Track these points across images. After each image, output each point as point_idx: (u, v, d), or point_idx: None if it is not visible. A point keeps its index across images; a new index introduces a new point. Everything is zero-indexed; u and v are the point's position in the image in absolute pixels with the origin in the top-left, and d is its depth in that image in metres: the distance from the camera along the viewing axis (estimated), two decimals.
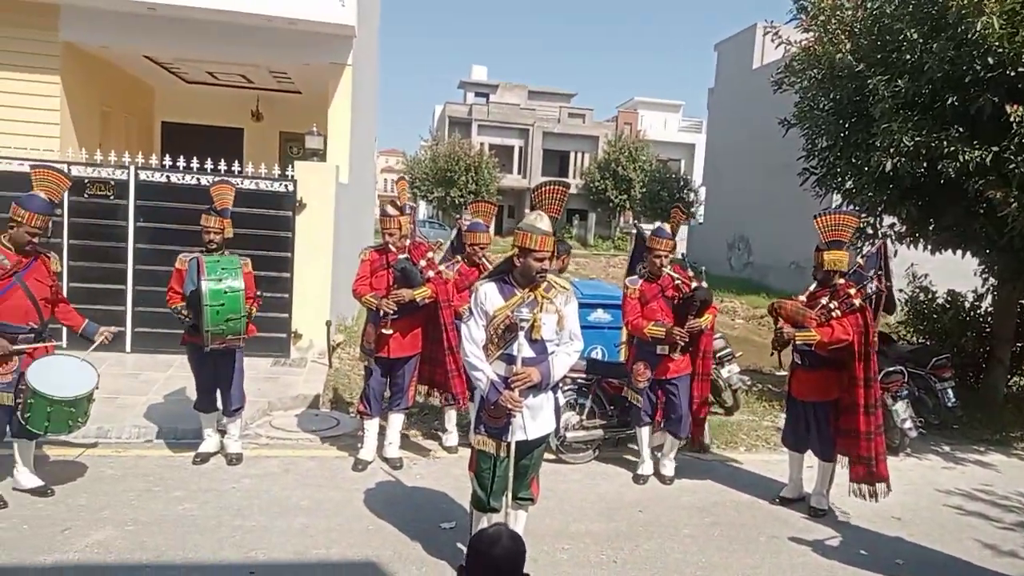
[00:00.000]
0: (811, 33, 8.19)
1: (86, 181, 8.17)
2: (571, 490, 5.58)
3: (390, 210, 5.69)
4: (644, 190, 38.13)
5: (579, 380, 6.17)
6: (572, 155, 46.59)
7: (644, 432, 5.94)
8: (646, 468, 5.93)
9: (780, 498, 5.68)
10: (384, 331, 5.59)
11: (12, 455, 4.88)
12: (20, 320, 4.66)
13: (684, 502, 5.56)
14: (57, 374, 4.70)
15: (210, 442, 5.74)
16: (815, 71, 8.23)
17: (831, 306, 5.22)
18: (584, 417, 6.15)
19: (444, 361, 5.91)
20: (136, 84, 12.97)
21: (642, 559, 4.59)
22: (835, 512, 5.52)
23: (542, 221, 3.83)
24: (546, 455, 5.93)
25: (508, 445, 3.84)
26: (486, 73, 52.72)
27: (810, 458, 5.63)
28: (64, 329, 5.53)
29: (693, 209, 34.54)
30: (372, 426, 5.86)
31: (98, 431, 5.88)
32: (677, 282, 5.68)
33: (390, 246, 5.64)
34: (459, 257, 6.44)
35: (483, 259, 6.28)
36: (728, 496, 5.75)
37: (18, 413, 4.65)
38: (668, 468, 5.92)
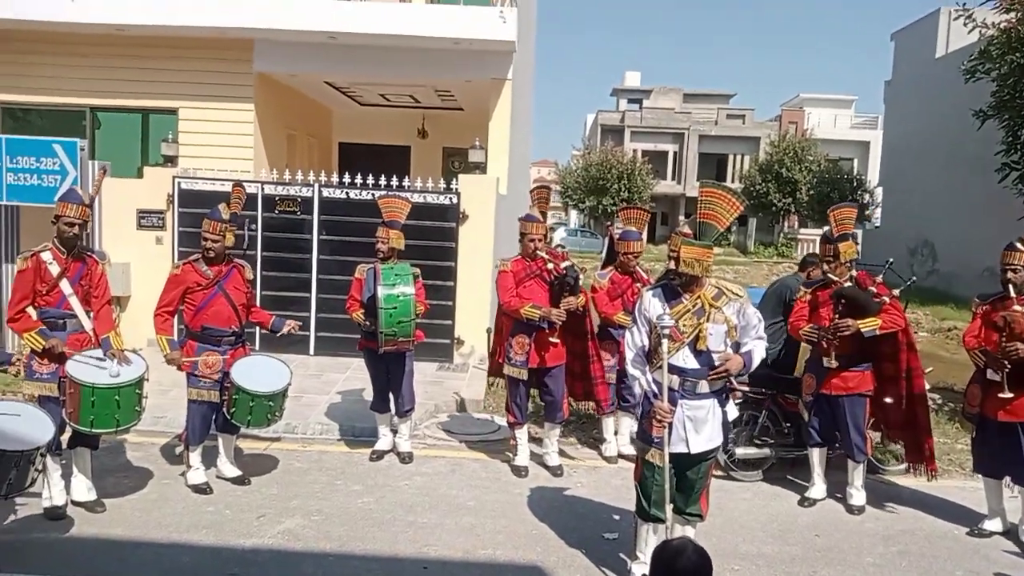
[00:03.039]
0: (1012, 14, 7.38)
1: (276, 199, 9.00)
2: (740, 509, 5.36)
3: (538, 216, 5.77)
4: (812, 192, 35.88)
5: (750, 394, 5.91)
6: (730, 158, 44.93)
7: (813, 453, 5.57)
8: (815, 492, 5.53)
9: (979, 529, 5.11)
10: (552, 340, 5.65)
11: (216, 447, 5.45)
12: (223, 324, 5.19)
13: (867, 528, 5.16)
14: (258, 373, 5.20)
15: (384, 441, 6.10)
16: (1017, 55, 7.40)
17: None
18: (756, 433, 5.89)
19: (589, 369, 5.92)
20: (317, 108, 14.12)
21: None
22: None
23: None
24: (715, 471, 5.80)
25: (667, 455, 3.79)
26: (639, 78, 52.17)
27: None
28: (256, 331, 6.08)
29: (868, 212, 32.05)
30: (523, 434, 5.95)
31: (286, 427, 6.43)
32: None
33: (539, 253, 5.70)
34: (612, 266, 6.37)
35: (637, 267, 6.18)
36: (917, 524, 5.26)
37: (223, 409, 5.20)
38: (854, 497, 5.41)
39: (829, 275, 5.36)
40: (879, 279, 5.35)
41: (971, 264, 20.49)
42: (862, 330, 5.09)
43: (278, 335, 5.49)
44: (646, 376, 3.89)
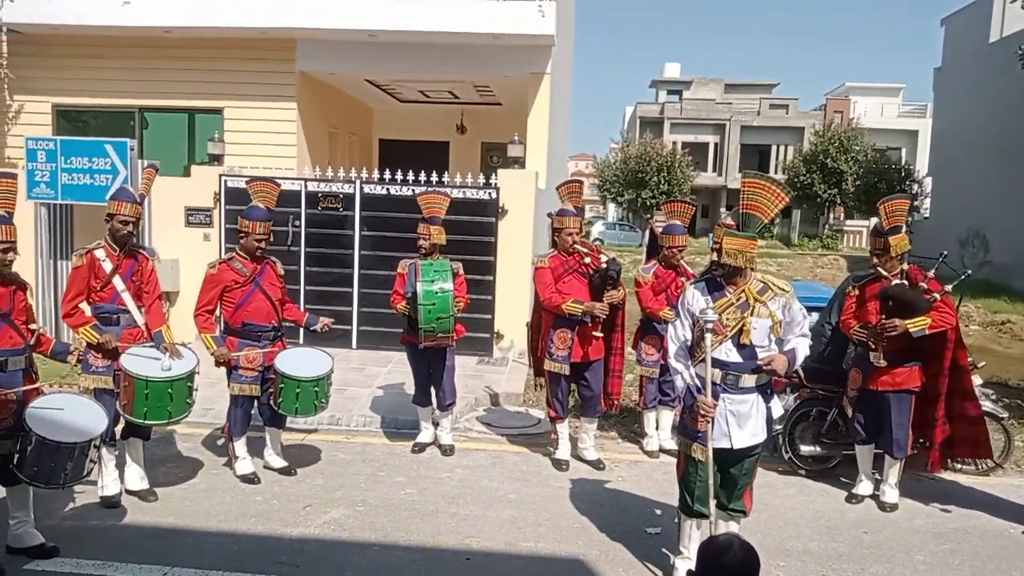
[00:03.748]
0: None
1: (319, 195, 9.13)
2: (786, 505, 5.28)
3: (573, 210, 5.74)
4: (858, 183, 35.00)
5: (820, 391, 5.80)
6: (773, 149, 44.12)
7: (860, 450, 5.45)
8: (862, 488, 5.41)
9: None
10: (596, 334, 5.64)
11: (263, 438, 5.57)
12: (264, 320, 5.29)
13: (917, 525, 5.04)
14: (300, 362, 5.30)
15: (426, 433, 6.16)
16: None
17: None
18: (824, 431, 5.77)
19: (609, 362, 5.94)
20: (357, 106, 14.28)
21: None
22: None
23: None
24: (775, 467, 5.72)
25: (710, 450, 3.76)
26: (679, 70, 51.48)
27: None
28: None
29: (917, 202, 31.12)
30: (563, 428, 5.95)
31: (330, 419, 6.54)
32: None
33: (576, 247, 5.68)
34: (655, 259, 6.31)
35: (681, 261, 6.12)
36: (970, 522, 5.12)
37: (270, 402, 5.30)
38: (887, 494, 5.29)
39: (879, 269, 5.23)
40: (931, 273, 5.19)
41: None
42: (911, 330, 4.95)
43: (318, 331, 5.55)
44: (689, 370, 3.86)
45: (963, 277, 5.45)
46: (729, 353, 3.77)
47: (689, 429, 3.89)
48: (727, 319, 3.73)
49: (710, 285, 3.87)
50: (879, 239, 5.22)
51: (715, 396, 3.74)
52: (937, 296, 5.02)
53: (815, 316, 7.06)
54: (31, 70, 11.04)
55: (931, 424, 5.30)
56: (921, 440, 5.47)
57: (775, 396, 3.96)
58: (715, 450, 3.78)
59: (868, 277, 5.34)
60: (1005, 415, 6.14)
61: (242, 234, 5.26)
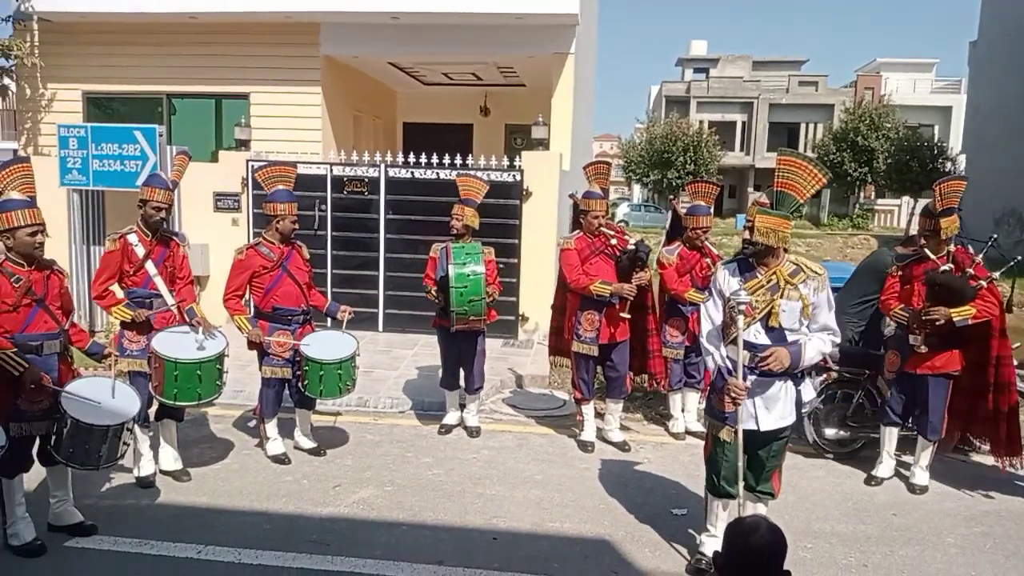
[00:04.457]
0: None
1: (344, 179, 9.18)
2: (813, 487, 5.25)
3: (599, 192, 5.71)
4: (889, 161, 34.26)
5: (847, 374, 5.74)
6: (802, 127, 43.31)
7: (886, 432, 5.38)
8: (883, 470, 5.35)
9: None
10: (623, 315, 5.64)
11: (293, 420, 5.65)
12: (293, 303, 5.35)
13: (947, 508, 4.99)
14: (324, 344, 5.35)
15: (453, 415, 6.22)
16: None
17: None
18: (850, 414, 5.73)
19: (647, 343, 5.94)
20: (381, 89, 14.28)
21: (897, 566, 4.20)
22: None
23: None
24: (802, 450, 5.68)
25: (736, 432, 3.75)
26: (705, 47, 50.67)
27: None
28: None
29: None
30: (589, 410, 5.96)
31: (358, 400, 6.61)
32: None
33: (602, 229, 5.66)
34: (679, 241, 6.25)
35: (705, 242, 6.06)
36: (1003, 505, 5.05)
37: (299, 384, 5.38)
38: (918, 476, 5.24)
39: (925, 249, 5.09)
40: (979, 258, 5.07)
41: None
42: (954, 319, 4.84)
43: (337, 319, 5.58)
44: (720, 351, 3.83)
45: (1012, 263, 5.31)
46: (758, 335, 3.74)
47: (717, 410, 3.89)
48: (756, 301, 3.69)
49: (742, 266, 3.83)
50: (930, 220, 5.03)
51: (744, 378, 3.72)
52: (983, 284, 4.90)
53: None
54: (61, 58, 11.22)
55: (984, 420, 5.18)
56: (970, 437, 5.40)
57: (807, 379, 3.90)
58: (743, 432, 3.77)
59: (913, 258, 5.21)
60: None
61: (276, 218, 5.28)
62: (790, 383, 3.80)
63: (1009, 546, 4.48)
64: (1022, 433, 5.15)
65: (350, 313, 5.57)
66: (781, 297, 3.68)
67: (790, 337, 3.71)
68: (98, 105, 11.79)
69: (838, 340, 3.82)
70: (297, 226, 5.38)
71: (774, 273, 3.70)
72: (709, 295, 3.95)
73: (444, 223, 5.91)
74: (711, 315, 3.89)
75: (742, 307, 3.60)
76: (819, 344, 3.73)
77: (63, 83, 11.43)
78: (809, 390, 3.93)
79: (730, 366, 3.76)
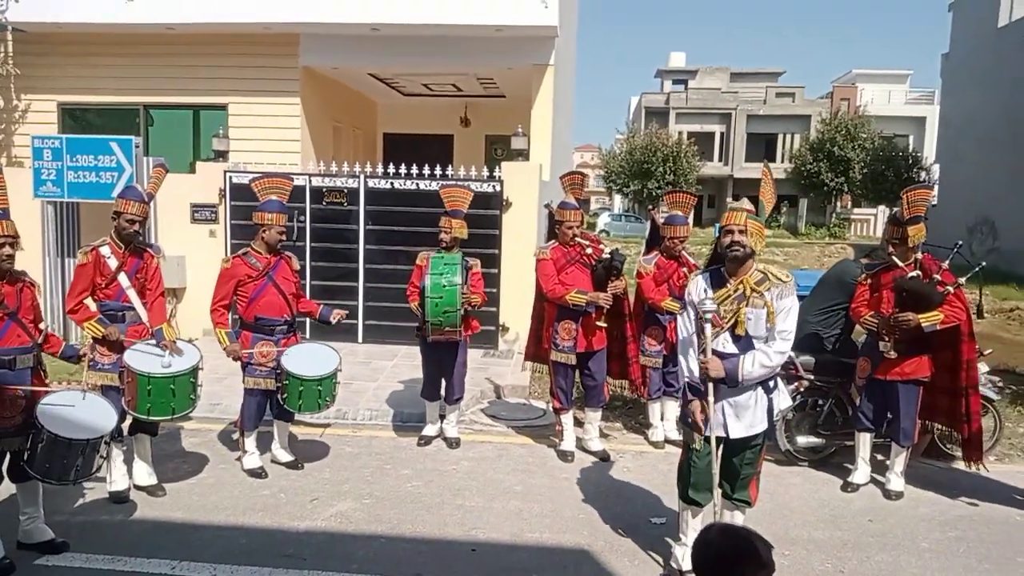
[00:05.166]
0: None
1: (324, 190, 9.15)
2: (790, 494, 5.29)
3: (574, 203, 5.76)
4: (865, 171, 34.77)
5: (817, 382, 5.79)
6: (780, 137, 43.91)
7: (860, 438, 5.45)
8: (858, 476, 5.42)
9: None
10: (599, 324, 5.67)
11: (271, 433, 5.60)
12: (276, 314, 5.32)
13: (922, 513, 5.04)
14: (307, 359, 5.32)
15: (432, 427, 6.19)
16: None
17: None
18: (820, 422, 5.78)
19: (625, 350, 5.98)
20: (361, 100, 14.28)
21: (873, 571, 4.24)
22: None
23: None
24: (767, 458, 5.74)
25: (708, 439, 3.79)
26: (684, 59, 51.24)
27: None
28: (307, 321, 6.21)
29: None
30: (568, 419, 5.97)
31: (337, 412, 6.56)
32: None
33: (577, 239, 5.70)
34: (657, 250, 6.31)
35: (683, 252, 6.12)
36: (975, 510, 5.12)
37: (278, 396, 5.34)
38: (893, 482, 5.30)
39: (893, 257, 5.18)
40: (945, 264, 5.15)
41: None
42: (923, 324, 4.93)
43: (333, 323, 5.59)
44: (687, 362, 3.88)
45: (977, 269, 5.42)
46: (726, 344, 3.78)
47: (687, 419, 3.93)
48: (724, 310, 3.74)
49: (713, 277, 3.88)
50: (897, 228, 5.12)
51: (714, 388, 3.74)
52: (951, 289, 4.98)
53: None
54: (36, 68, 11.11)
55: (961, 419, 5.22)
56: (932, 424, 5.50)
57: (779, 387, 3.94)
58: (716, 440, 3.80)
59: (881, 265, 5.30)
60: (996, 398, 6.05)
61: (263, 227, 5.26)
62: (761, 391, 3.83)
63: (982, 550, 4.53)
64: (983, 439, 5.28)
65: (344, 316, 5.59)
66: (747, 305, 3.73)
67: (757, 345, 3.75)
68: (74, 116, 11.68)
69: (787, 347, 3.76)
70: (284, 237, 5.37)
71: (741, 282, 3.76)
72: (683, 307, 4.01)
73: (424, 233, 5.94)
74: (685, 325, 3.95)
75: (708, 316, 3.64)
76: (761, 358, 3.68)
77: (38, 94, 11.31)
78: (784, 398, 3.97)
79: (695, 377, 3.80)
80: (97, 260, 4.70)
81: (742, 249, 3.70)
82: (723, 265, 3.85)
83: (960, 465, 5.77)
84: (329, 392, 5.37)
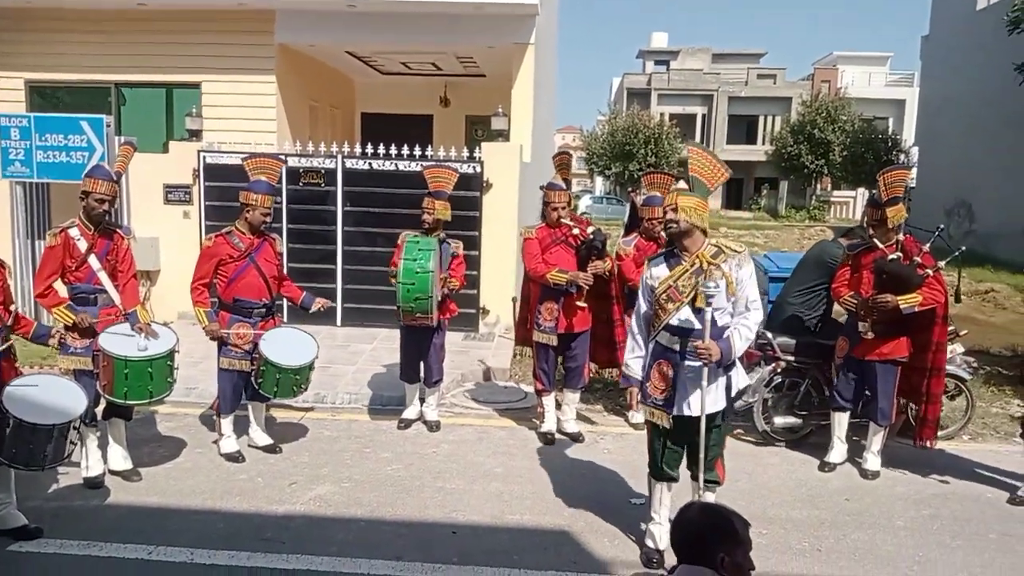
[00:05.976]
0: None
1: (300, 171, 9.01)
2: (768, 474, 5.33)
3: (561, 184, 5.73)
4: (845, 153, 34.99)
5: (795, 363, 5.82)
6: (761, 119, 44.03)
7: (836, 417, 5.50)
8: (835, 456, 5.46)
9: (1019, 497, 4.98)
10: (579, 304, 5.65)
11: (248, 416, 5.54)
12: (255, 296, 5.24)
13: (898, 492, 5.11)
14: (285, 345, 5.26)
15: (412, 409, 6.16)
16: None
17: None
18: (797, 402, 5.82)
19: (613, 334, 5.96)
20: (338, 78, 14.05)
21: (849, 549, 4.29)
22: None
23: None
24: (755, 438, 5.77)
25: (670, 417, 3.88)
26: (666, 39, 51.07)
27: None
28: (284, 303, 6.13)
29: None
30: (550, 401, 5.97)
31: (316, 396, 6.51)
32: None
33: (563, 220, 5.68)
34: (637, 232, 6.29)
35: (662, 233, 6.10)
36: (950, 488, 5.19)
37: (252, 378, 5.27)
38: (870, 462, 5.36)
39: (874, 239, 5.20)
40: (926, 247, 5.18)
41: (1010, 224, 19.95)
42: (901, 306, 4.96)
43: (310, 312, 5.53)
44: (637, 340, 4.05)
45: (957, 253, 5.45)
46: (690, 318, 3.81)
47: (649, 396, 3.96)
48: (682, 285, 3.79)
49: (668, 258, 3.95)
50: (876, 210, 5.13)
51: (673, 364, 3.85)
52: (930, 272, 5.01)
53: None
54: (2, 45, 10.78)
55: (921, 397, 5.29)
56: (907, 404, 5.57)
57: (737, 365, 3.98)
58: (678, 418, 3.88)
59: (863, 247, 5.31)
60: (968, 377, 6.09)
61: (248, 207, 5.18)
62: (720, 370, 3.88)
63: (955, 527, 4.61)
64: (940, 419, 5.39)
65: (327, 305, 5.55)
66: (706, 278, 3.75)
67: (719, 318, 3.79)
68: (42, 94, 11.36)
69: (760, 315, 3.91)
70: (269, 219, 5.27)
71: (697, 257, 3.82)
72: (640, 290, 4.08)
73: (403, 215, 5.87)
74: (639, 306, 4.05)
75: (710, 300, 3.67)
76: (744, 332, 3.84)
77: (4, 71, 10.98)
78: (740, 376, 4.03)
79: (642, 355, 4.01)
80: (66, 242, 4.59)
81: (675, 225, 3.83)
82: (673, 235, 3.92)
83: (936, 444, 5.84)
84: (305, 379, 5.35)
